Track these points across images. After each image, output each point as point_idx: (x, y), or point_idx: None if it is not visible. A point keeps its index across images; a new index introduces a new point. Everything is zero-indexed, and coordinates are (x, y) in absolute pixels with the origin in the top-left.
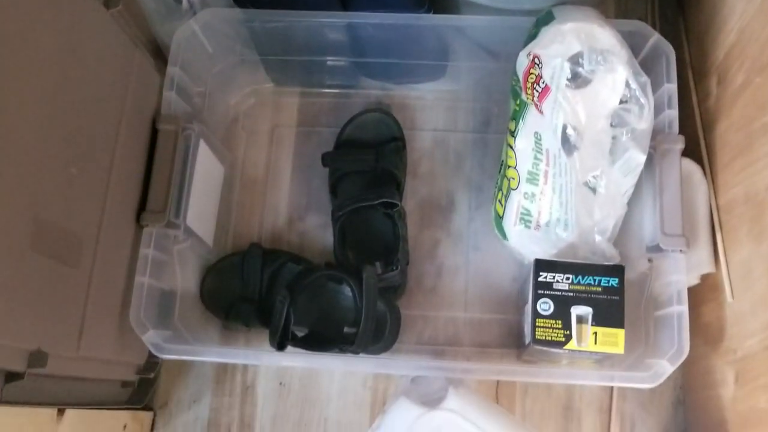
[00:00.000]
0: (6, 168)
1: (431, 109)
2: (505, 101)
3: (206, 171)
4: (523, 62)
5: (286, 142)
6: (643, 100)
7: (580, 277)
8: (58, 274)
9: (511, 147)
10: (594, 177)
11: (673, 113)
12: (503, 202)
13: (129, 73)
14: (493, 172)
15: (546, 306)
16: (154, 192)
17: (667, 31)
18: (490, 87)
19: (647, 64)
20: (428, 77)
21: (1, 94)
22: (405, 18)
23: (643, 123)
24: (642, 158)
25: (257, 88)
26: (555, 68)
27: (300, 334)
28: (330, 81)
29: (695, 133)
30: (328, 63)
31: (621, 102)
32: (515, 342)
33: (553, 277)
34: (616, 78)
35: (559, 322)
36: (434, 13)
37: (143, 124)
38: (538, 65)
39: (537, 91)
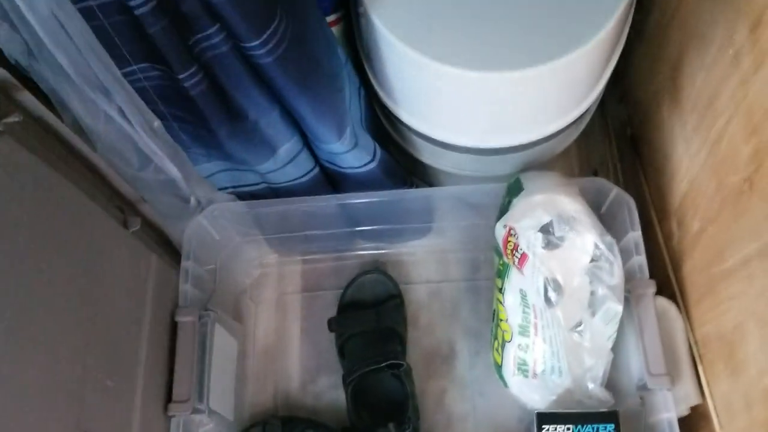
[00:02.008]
0: (54, 388)
1: (423, 263)
2: (489, 249)
3: (223, 350)
4: (500, 231)
5: (293, 307)
6: (611, 258)
7: (579, 427)
8: None
9: (501, 303)
10: (579, 331)
11: (641, 259)
12: (500, 351)
13: (148, 277)
14: (488, 317)
15: None
16: (178, 383)
17: (628, 172)
18: (475, 237)
19: (611, 213)
20: (416, 236)
21: (42, 318)
22: (393, 195)
23: (615, 279)
24: (619, 308)
25: (261, 260)
26: (529, 238)
27: None
28: (328, 247)
29: (665, 269)
30: (325, 233)
31: (593, 260)
32: None
33: (555, 429)
34: (584, 241)
35: None
36: (416, 182)
37: (164, 319)
38: (514, 235)
39: (516, 257)
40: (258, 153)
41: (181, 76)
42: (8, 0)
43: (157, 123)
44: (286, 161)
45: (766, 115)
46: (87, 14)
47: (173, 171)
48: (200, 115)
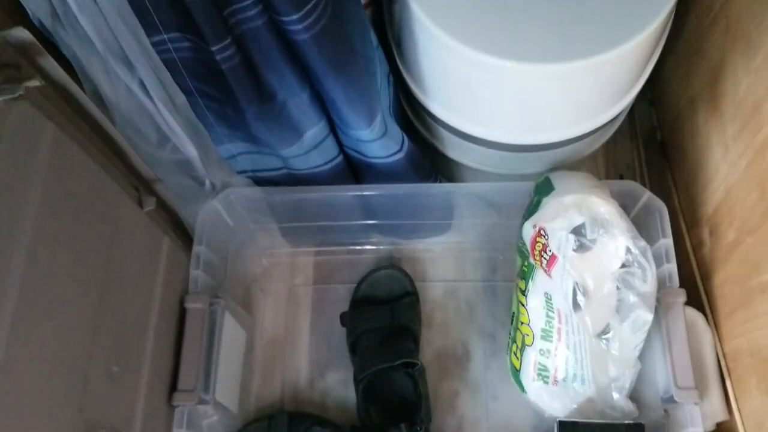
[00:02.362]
0: (57, 374)
1: (440, 261)
2: (508, 250)
3: (231, 340)
4: (529, 231)
5: (304, 300)
6: (645, 264)
7: None
8: None
9: (523, 305)
10: (606, 338)
11: (672, 267)
12: (519, 356)
13: (160, 260)
14: (504, 319)
15: None
16: (184, 371)
17: (655, 177)
18: (494, 237)
19: (641, 219)
20: (435, 233)
21: (52, 296)
22: (416, 188)
23: (647, 286)
24: (649, 317)
25: (273, 250)
26: (561, 240)
27: None
28: (342, 239)
29: (693, 279)
30: (341, 224)
31: (624, 266)
32: None
33: None
34: (617, 245)
35: None
36: (441, 178)
37: (173, 304)
38: (544, 236)
39: (545, 258)
40: (284, 136)
41: (214, 48)
42: None
43: (180, 99)
44: (311, 147)
45: None
46: None
47: (191, 150)
48: (228, 92)
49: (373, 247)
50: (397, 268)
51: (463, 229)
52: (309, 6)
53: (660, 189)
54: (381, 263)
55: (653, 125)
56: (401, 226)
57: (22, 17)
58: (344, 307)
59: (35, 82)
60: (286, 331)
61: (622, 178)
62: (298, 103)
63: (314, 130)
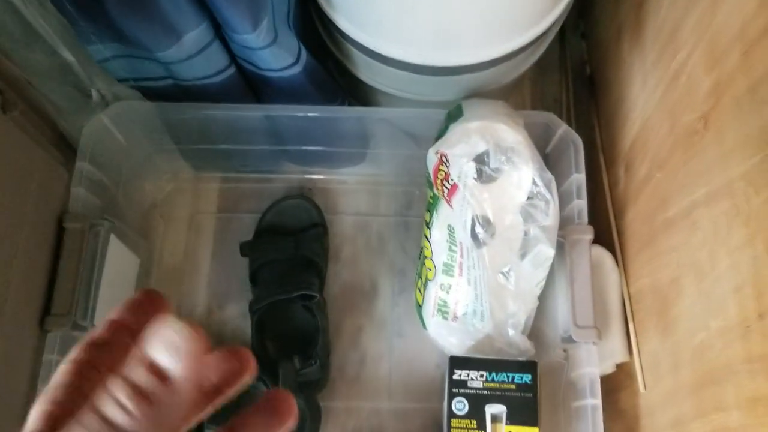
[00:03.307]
0: None
1: (353, 193)
2: (425, 184)
3: (118, 266)
4: (432, 159)
5: (206, 228)
6: (548, 196)
7: (494, 374)
8: None
9: (427, 238)
10: (504, 272)
11: (581, 203)
12: (422, 290)
13: (31, 174)
14: (416, 256)
15: (461, 406)
16: (58, 295)
17: (581, 113)
18: (411, 170)
19: (557, 153)
20: (349, 163)
21: None
22: (322, 110)
23: (549, 219)
24: (551, 252)
25: (175, 174)
26: (461, 167)
27: None
28: (251, 166)
29: (607, 218)
30: (247, 149)
31: (528, 198)
32: None
33: (468, 375)
34: (521, 176)
35: (474, 422)
36: (351, 101)
37: (48, 224)
38: (445, 163)
39: (446, 187)
40: (157, 36)
41: None
42: None
43: None
44: (193, 52)
45: (731, 44)
46: None
47: (66, 54)
48: None
49: (284, 176)
50: (306, 198)
51: (380, 161)
52: None
53: (585, 126)
54: (290, 193)
55: (583, 59)
56: (311, 153)
57: None
58: (249, 237)
59: None
60: (186, 259)
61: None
62: None
63: (195, 32)
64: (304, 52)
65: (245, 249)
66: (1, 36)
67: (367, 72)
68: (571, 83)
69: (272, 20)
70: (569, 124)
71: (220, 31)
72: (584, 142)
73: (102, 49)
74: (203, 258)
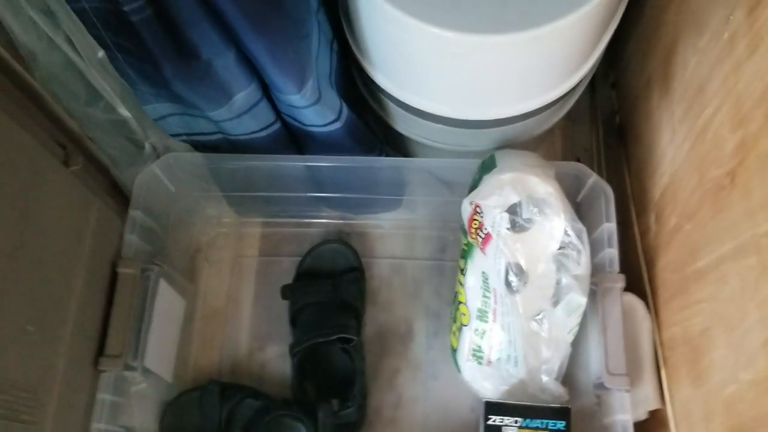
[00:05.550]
0: None
1: (389, 238)
2: (459, 229)
3: (166, 308)
4: (466, 209)
5: (248, 271)
6: (580, 246)
7: (528, 420)
8: None
9: (461, 284)
10: (537, 320)
11: (613, 252)
12: (457, 335)
13: (88, 223)
14: (450, 299)
15: None
16: (112, 337)
17: (611, 161)
18: (445, 215)
19: (588, 202)
20: (385, 208)
21: None
22: (360, 161)
23: (581, 269)
24: (583, 300)
25: (219, 219)
26: (495, 218)
27: None
28: (291, 211)
29: (638, 266)
30: (288, 196)
31: (561, 247)
32: None
33: (502, 420)
34: (553, 226)
35: None
36: (387, 150)
37: (103, 269)
38: (479, 214)
39: (480, 236)
40: (210, 98)
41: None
42: None
43: (101, 53)
44: (242, 110)
45: (757, 103)
46: None
47: (124, 111)
48: (145, 47)
49: (323, 221)
50: (344, 242)
51: (415, 206)
52: None
53: (616, 174)
54: (329, 237)
55: (613, 109)
56: (350, 200)
57: None
58: (289, 279)
59: None
60: (228, 301)
61: (578, 161)
62: (225, 63)
63: (245, 92)
64: (345, 109)
65: (286, 292)
66: (66, 96)
67: (402, 123)
68: (602, 132)
69: (316, 81)
70: (599, 172)
71: (267, 91)
72: (614, 189)
73: (158, 108)
74: (245, 300)
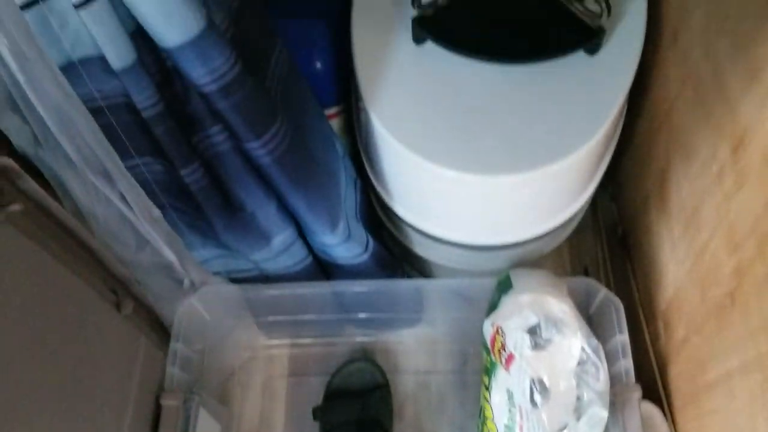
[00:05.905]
0: None
1: (412, 353)
2: (479, 342)
3: None
4: (488, 330)
5: (279, 392)
6: (597, 363)
7: None
8: None
9: (487, 400)
10: None
11: (627, 363)
12: None
13: (135, 359)
14: (474, 411)
15: None
16: None
17: (617, 271)
18: (465, 329)
19: (600, 314)
20: (407, 325)
21: (20, 395)
22: (384, 285)
23: (600, 384)
24: (604, 414)
25: (251, 343)
26: (516, 339)
27: None
28: (317, 331)
29: (651, 371)
30: (316, 319)
31: (579, 363)
32: None
33: None
34: (571, 344)
35: None
36: (407, 270)
37: (149, 401)
38: (501, 334)
39: (503, 356)
40: (252, 243)
41: (183, 173)
42: (19, 91)
43: (156, 212)
44: (280, 251)
45: (749, 234)
46: (96, 112)
47: (170, 255)
48: (199, 208)
49: (348, 339)
50: (369, 360)
51: (435, 322)
52: (269, 134)
53: (622, 283)
54: (354, 355)
55: (615, 220)
56: (374, 320)
57: (5, 145)
58: (318, 398)
59: (16, 207)
60: (261, 424)
61: (586, 271)
62: (266, 214)
63: (282, 236)
64: (371, 241)
65: (317, 414)
66: (118, 246)
67: (420, 247)
68: (605, 243)
69: (346, 221)
70: (607, 280)
71: (302, 232)
72: (623, 297)
73: (204, 254)
74: (277, 422)
